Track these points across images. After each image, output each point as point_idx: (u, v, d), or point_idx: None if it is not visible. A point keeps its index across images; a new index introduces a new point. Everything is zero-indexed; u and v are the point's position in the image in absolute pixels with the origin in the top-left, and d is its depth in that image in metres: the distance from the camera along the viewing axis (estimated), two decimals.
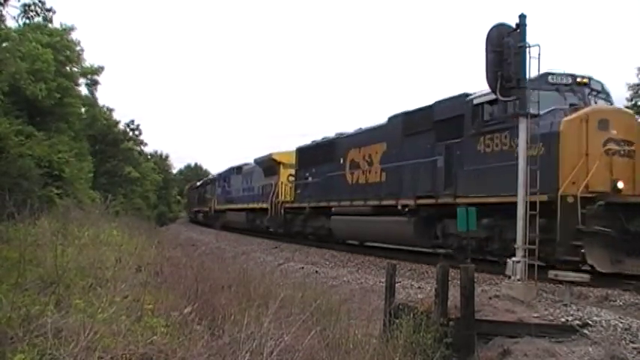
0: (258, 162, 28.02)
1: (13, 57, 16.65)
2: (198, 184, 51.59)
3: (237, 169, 33.17)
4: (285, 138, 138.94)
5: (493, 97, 9.18)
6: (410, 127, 13.81)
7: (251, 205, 27.94)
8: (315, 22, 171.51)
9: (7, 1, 12.23)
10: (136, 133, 40.99)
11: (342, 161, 17.66)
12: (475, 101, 11.33)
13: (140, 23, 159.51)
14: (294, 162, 22.22)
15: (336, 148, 18.40)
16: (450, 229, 11.94)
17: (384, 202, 14.39)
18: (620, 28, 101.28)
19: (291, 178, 22.42)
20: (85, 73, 28.24)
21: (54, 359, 3.26)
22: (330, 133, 20.77)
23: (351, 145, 17.33)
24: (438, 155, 12.53)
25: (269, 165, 25.73)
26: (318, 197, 18.81)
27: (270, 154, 25.41)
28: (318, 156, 19.58)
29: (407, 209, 13.27)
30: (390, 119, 15.21)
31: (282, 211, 22.46)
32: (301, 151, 21.69)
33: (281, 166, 24.01)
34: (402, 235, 13.78)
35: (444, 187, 12.10)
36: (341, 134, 18.94)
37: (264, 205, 25.01)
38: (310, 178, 20.06)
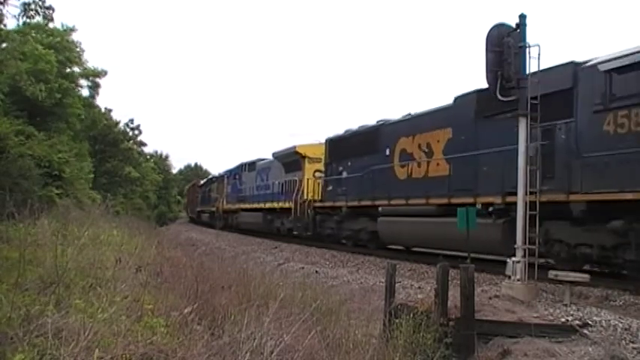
0: (278, 156, 24.89)
1: (13, 58, 16.64)
2: (202, 182, 48.91)
3: (250, 166, 30.02)
4: (286, 138, 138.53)
5: (626, 61, 8.07)
6: (487, 107, 10.35)
7: (269, 205, 24.82)
8: (315, 22, 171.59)
9: (6, 0, 12.24)
10: (136, 132, 41.02)
11: (388, 152, 14.91)
12: (601, 68, 8.71)
13: (140, 24, 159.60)
14: (320, 155, 19.95)
15: (379, 138, 15.51)
16: (555, 234, 9.53)
17: (455, 201, 11.69)
18: (624, 19, 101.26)
19: (318, 174, 19.94)
20: (86, 74, 28.25)
21: (54, 359, 3.26)
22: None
23: (400, 133, 14.54)
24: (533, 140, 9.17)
25: (291, 159, 22.78)
26: (359, 195, 15.88)
27: (294, 147, 22.26)
28: (356, 147, 16.82)
29: (491, 209, 10.82)
30: (458, 100, 12.59)
31: (310, 211, 19.50)
32: (332, 143, 18.75)
33: (306, 161, 21.15)
34: (485, 241, 10.58)
35: (542, 180, 8.99)
36: (385, 121, 16.03)
37: (286, 205, 22.08)
38: (345, 173, 17.28)
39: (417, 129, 13.86)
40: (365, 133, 16.79)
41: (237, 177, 31.97)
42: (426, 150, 13.44)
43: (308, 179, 20.40)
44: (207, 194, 43.09)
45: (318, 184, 19.54)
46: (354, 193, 16.27)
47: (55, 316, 3.76)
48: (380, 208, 14.70)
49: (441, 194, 12.36)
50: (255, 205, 27.10)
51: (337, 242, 18.23)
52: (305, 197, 20.21)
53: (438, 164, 12.91)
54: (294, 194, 21.21)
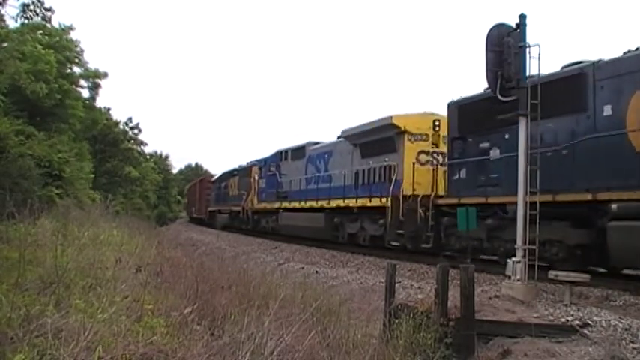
0: (352, 135, 17.37)
1: (12, 58, 16.64)
2: (215, 177, 41.81)
3: (296, 152, 22.81)
4: (286, 139, 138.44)
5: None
6: None
7: (335, 203, 17.83)
8: (316, 21, 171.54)
9: (6, 1, 12.24)
10: (135, 132, 40.97)
11: (608, 111, 8.76)
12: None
13: (141, 24, 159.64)
14: (426, 131, 14.59)
15: (582, 90, 9.19)
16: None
17: None
18: (624, 19, 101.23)
19: (425, 157, 14.45)
20: (87, 75, 28.26)
21: (54, 359, 3.26)
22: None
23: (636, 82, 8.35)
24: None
25: (378, 137, 15.78)
26: (552, 182, 9.02)
27: (389, 118, 15.10)
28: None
29: None
30: None
31: (427, 211, 13.02)
32: (465, 107, 12.36)
33: (405, 138, 14.65)
34: None
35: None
36: (597, 62, 9.22)
37: (370, 203, 15.49)
38: (497, 151, 11.14)
39: None
40: (557, 82, 9.54)
41: (274, 168, 24.39)
42: None
43: (412, 164, 14.12)
44: (223, 191, 36.38)
45: (432, 170, 13.73)
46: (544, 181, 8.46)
47: (55, 316, 3.76)
48: (613, 206, 8.31)
49: None
50: (309, 204, 19.81)
51: (491, 263, 11.32)
52: (409, 191, 13.86)
53: None
54: (390, 187, 14.43)
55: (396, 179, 14.48)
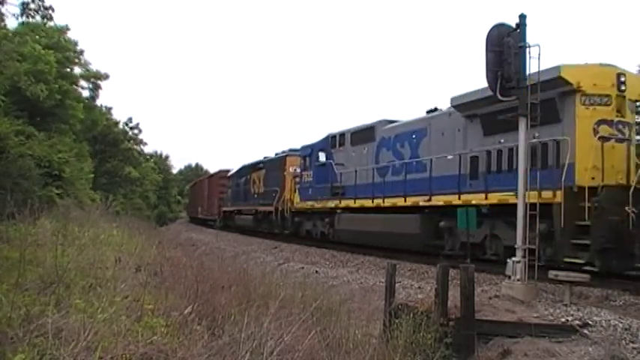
0: (470, 102, 11.66)
1: (12, 59, 16.64)
2: (233, 171, 34.94)
3: (360, 134, 17.24)
4: (286, 139, 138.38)
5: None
6: None
7: (441, 200, 12.50)
8: (315, 22, 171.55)
9: (5, 0, 12.24)
10: (135, 132, 41.01)
11: None
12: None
13: (140, 24, 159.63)
14: (607, 89, 9.68)
15: None
16: None
17: None
18: (624, 18, 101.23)
19: (606, 129, 9.50)
20: (88, 76, 28.27)
21: (54, 359, 3.26)
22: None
23: None
24: None
25: (551, 94, 9.57)
26: None
27: (557, 68, 9.56)
28: None
29: None
30: None
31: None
32: None
33: (577, 99, 9.67)
34: None
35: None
36: None
37: (513, 199, 9.20)
38: None
39: None
40: None
41: (323, 156, 19.35)
42: None
43: (592, 138, 9.39)
44: (243, 187, 30.81)
45: (622, 149, 9.69)
46: None
47: (55, 316, 3.76)
48: None
49: None
50: (391, 201, 14.40)
51: None
52: (584, 179, 9.09)
53: None
54: (550, 174, 9.48)
55: (566, 163, 9.35)
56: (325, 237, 18.92)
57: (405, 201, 13.74)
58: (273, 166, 25.67)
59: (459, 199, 11.80)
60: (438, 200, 12.54)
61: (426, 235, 13.23)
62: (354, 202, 16.35)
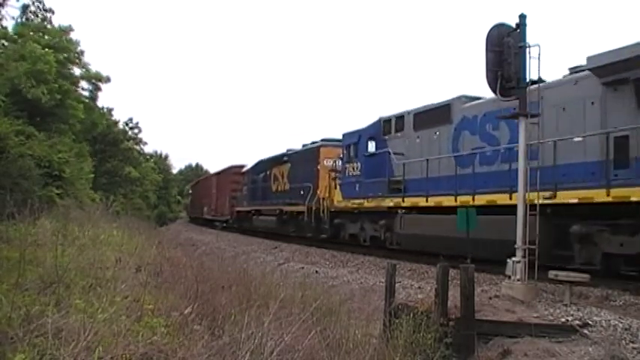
0: (618, 61, 8.54)
1: (12, 60, 16.65)
2: (248, 167, 31.27)
3: (429, 115, 13.92)
4: (286, 139, 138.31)
5: None
6: None
7: (581, 195, 9.16)
8: (315, 23, 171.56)
9: (5, 1, 12.25)
10: (135, 131, 41.00)
11: None
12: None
13: (140, 24, 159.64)
14: None
15: None
16: None
17: None
18: (624, 18, 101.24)
19: None
20: (89, 77, 28.25)
21: (54, 359, 3.26)
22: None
23: None
24: None
25: None
26: None
27: None
28: None
29: None
30: None
31: None
32: None
33: None
34: None
35: None
36: None
37: None
38: None
39: None
40: None
41: (373, 145, 16.11)
42: None
43: None
44: (262, 184, 27.39)
45: None
46: None
47: (55, 316, 3.76)
48: None
49: None
50: (484, 198, 11.23)
51: None
52: None
53: None
54: None
55: None
56: (378, 242, 15.46)
57: (511, 198, 10.05)
58: (303, 158, 22.07)
59: (608, 195, 8.64)
60: (569, 197, 9.33)
61: (546, 242, 9.08)
62: (427, 201, 12.90)
